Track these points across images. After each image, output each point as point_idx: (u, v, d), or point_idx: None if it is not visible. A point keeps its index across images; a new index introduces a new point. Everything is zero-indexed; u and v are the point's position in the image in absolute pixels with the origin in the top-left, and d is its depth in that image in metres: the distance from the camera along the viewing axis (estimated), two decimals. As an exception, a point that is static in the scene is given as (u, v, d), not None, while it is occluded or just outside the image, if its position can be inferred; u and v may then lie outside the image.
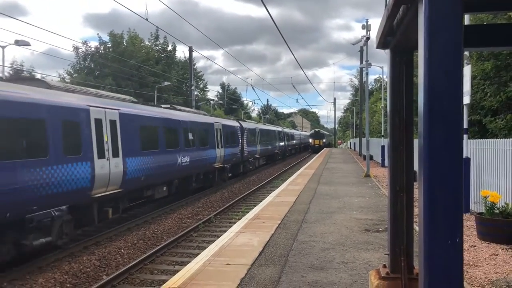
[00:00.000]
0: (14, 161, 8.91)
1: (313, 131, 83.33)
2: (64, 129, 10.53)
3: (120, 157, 12.89)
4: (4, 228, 8.77)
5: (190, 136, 19.01)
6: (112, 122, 12.70)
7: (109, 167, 12.24)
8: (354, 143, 66.72)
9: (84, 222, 11.96)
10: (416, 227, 5.91)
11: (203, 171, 20.98)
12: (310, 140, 75.58)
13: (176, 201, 18.19)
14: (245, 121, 34.69)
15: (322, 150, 63.21)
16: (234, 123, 28.48)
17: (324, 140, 75.57)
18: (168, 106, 19.90)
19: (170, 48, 50.83)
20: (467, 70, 10.50)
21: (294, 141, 61.83)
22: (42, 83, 11.67)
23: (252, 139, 31.85)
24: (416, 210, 5.25)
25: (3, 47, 21.86)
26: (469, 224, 9.72)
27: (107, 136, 12.30)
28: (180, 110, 19.98)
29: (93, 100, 12.32)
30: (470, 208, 11.13)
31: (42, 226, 9.63)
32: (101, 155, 11.93)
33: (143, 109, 15.72)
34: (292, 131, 68.02)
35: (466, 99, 10.50)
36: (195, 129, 19.84)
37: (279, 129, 47.35)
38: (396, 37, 3.70)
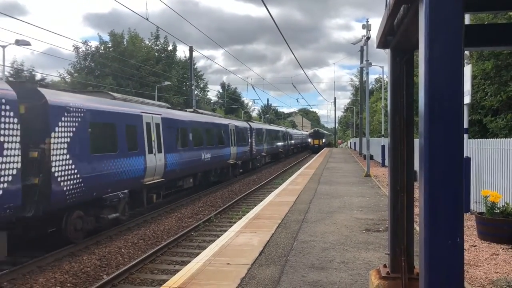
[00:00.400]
0: (99, 154, 12.05)
1: (312, 130, 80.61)
2: (126, 131, 13.56)
3: (162, 153, 15.96)
4: (89, 204, 11.81)
5: (211, 136, 22.36)
6: (157, 125, 15.77)
7: (155, 161, 15.26)
8: (355, 143, 66.71)
9: (137, 204, 14.75)
10: (416, 227, 5.91)
11: (220, 166, 24.16)
12: (309, 140, 73.43)
13: (201, 191, 21.18)
14: (253, 122, 37.59)
15: (322, 150, 62.18)
16: (245, 124, 31.32)
17: (324, 140, 73.45)
18: (192, 110, 23.34)
19: (170, 48, 50.81)
20: (467, 70, 10.49)
21: (293, 141, 60.12)
22: (108, 95, 14.42)
23: (259, 138, 34.71)
24: (416, 210, 5.25)
25: (4, 47, 21.85)
26: (469, 224, 9.72)
27: (153, 136, 15.31)
28: (201, 113, 22.96)
29: (143, 108, 15.30)
30: (471, 207, 11.13)
31: (113, 204, 12.65)
32: (150, 151, 14.98)
33: (176, 113, 18.77)
34: (292, 130, 66.96)
35: (467, 99, 10.50)
36: (215, 130, 23.26)
37: (283, 129, 52.84)
38: (396, 37, 3.70)
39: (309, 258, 7.47)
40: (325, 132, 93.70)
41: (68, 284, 8.69)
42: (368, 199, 14.42)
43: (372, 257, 7.51)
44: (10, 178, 8.99)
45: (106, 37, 47.22)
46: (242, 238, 8.99)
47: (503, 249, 7.93)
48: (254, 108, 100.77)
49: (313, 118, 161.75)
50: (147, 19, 20.35)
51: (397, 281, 4.14)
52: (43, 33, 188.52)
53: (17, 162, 9.22)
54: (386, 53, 4.76)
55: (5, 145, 8.96)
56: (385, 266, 4.46)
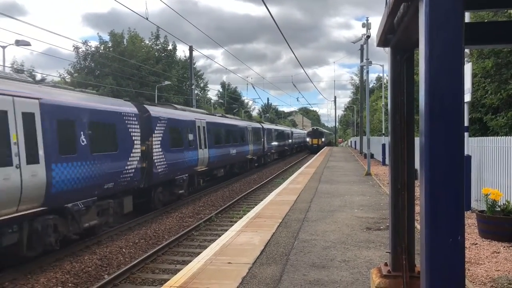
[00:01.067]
0: (177, 148, 17.45)
1: (310, 129, 74.52)
2: (187, 132, 18.80)
3: (207, 148, 21.11)
4: (167, 183, 16.73)
5: (236, 136, 27.88)
6: (203, 128, 20.90)
7: (203, 154, 20.45)
8: (355, 142, 66.64)
9: (191, 185, 19.59)
10: (417, 225, 5.91)
11: (241, 160, 29.63)
12: (308, 139, 67.74)
13: (227, 179, 26.14)
14: (265, 123, 42.64)
15: (323, 149, 60.53)
16: (258, 125, 36.64)
17: (323, 139, 68.52)
18: (220, 115, 29.09)
19: (170, 47, 50.74)
20: (467, 68, 10.49)
21: (290, 140, 57.48)
22: (172, 106, 19.74)
23: (270, 137, 40.09)
24: (417, 208, 5.25)
25: (4, 47, 21.84)
26: (470, 222, 9.72)
27: (202, 135, 20.52)
28: (227, 117, 28.66)
29: (195, 115, 20.80)
30: (471, 206, 11.13)
31: (180, 184, 17.78)
32: (200, 146, 20.16)
33: (214, 118, 24.53)
34: (296, 130, 66.20)
35: (467, 97, 10.49)
36: (238, 130, 28.95)
37: (288, 129, 56.73)
38: (396, 35, 3.69)
39: (310, 257, 7.48)
40: (325, 130, 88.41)
41: (70, 284, 8.70)
42: (369, 198, 14.42)
43: (373, 255, 7.51)
44: (137, 163, 13.88)
45: (106, 37, 47.19)
46: (243, 237, 8.99)
47: (504, 247, 7.93)
48: (254, 108, 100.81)
49: (314, 117, 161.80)
50: (147, 18, 20.34)
51: (398, 279, 4.14)
52: (42, 33, 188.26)
53: (139, 153, 14.13)
54: (386, 52, 4.76)
55: (135, 142, 13.86)
56: (386, 264, 4.46)
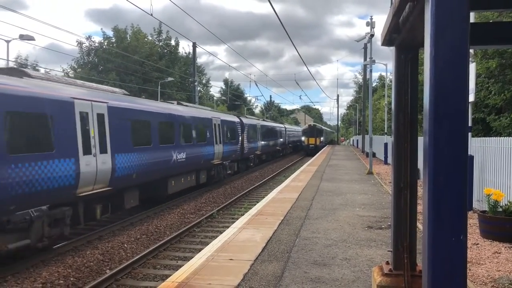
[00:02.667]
0: (203, 143, 20.48)
1: (307, 125, 61.45)
2: (205, 129, 21.16)
3: (221, 144, 23.43)
4: (204, 168, 20.90)
5: (271, 133, 37.25)
6: (219, 125, 23.30)
7: (218, 149, 22.69)
8: (357, 140, 66.41)
9: (239, 169, 28.52)
10: (419, 225, 5.92)
11: (273, 150, 39.99)
12: (303, 139, 56.47)
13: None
14: (247, 116, 42.02)
15: (324, 148, 55.68)
16: (234, 118, 33.38)
17: (322, 138, 57.34)
18: (236, 113, 35.48)
19: (173, 43, 50.69)
20: (471, 68, 10.47)
21: (282, 139, 47.84)
22: (236, 116, 28.57)
23: (288, 135, 47.55)
24: (419, 208, 5.26)
25: (8, 42, 21.89)
26: (471, 222, 9.72)
27: (217, 132, 22.78)
28: (184, 105, 25.46)
29: (212, 113, 23.98)
30: (473, 206, 11.13)
31: (231, 166, 25.51)
32: (216, 143, 22.37)
33: (228, 117, 27.25)
34: (283, 125, 53.46)
35: (471, 97, 10.47)
36: (271, 129, 38.40)
37: (281, 126, 50.05)
38: (401, 35, 3.70)
39: (311, 254, 7.50)
40: (325, 128, 76.43)
41: (71, 278, 8.74)
42: (370, 197, 14.43)
43: (374, 254, 7.53)
44: (239, 147, 26.68)
45: (110, 33, 47.16)
46: (244, 234, 9.02)
47: (505, 247, 7.94)
48: (257, 105, 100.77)
49: (316, 115, 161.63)
50: (151, 14, 20.33)
51: (400, 278, 4.15)
52: (44, 28, 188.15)
53: (241, 142, 26.81)
54: (390, 51, 4.76)
55: (244, 138, 28.10)
56: (387, 263, 4.47)
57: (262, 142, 35.46)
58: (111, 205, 12.71)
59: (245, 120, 30.29)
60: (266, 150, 37.41)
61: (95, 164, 11.31)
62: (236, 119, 28.28)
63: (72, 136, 10.59)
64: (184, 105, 21.24)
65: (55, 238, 10.26)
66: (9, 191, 8.53)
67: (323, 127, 65.77)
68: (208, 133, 21.51)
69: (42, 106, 9.70)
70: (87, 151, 11.03)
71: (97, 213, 11.95)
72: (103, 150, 11.77)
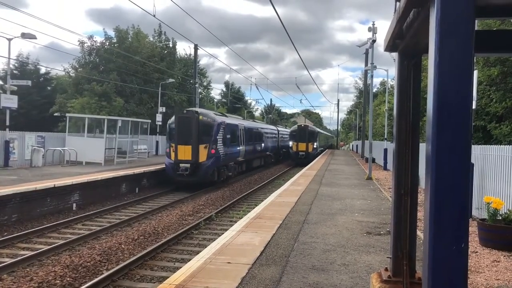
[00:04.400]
0: (252, 142, 33.43)
1: (295, 126, 46.94)
2: (236, 132, 28.06)
3: (244, 145, 29.76)
4: (262, 156, 38.40)
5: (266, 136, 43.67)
6: (243, 130, 29.91)
7: (242, 148, 29.38)
8: (357, 145, 66.38)
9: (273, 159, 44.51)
10: (418, 232, 5.89)
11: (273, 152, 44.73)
12: (290, 144, 43.67)
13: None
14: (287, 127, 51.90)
15: (320, 156, 47.00)
16: (270, 126, 48.85)
17: (315, 144, 44.17)
18: (283, 126, 48.73)
19: (171, 45, 50.63)
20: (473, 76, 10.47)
21: (264, 145, 38.17)
22: (239, 117, 36.80)
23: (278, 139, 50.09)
24: (419, 214, 5.23)
25: (10, 40, 21.87)
26: (470, 229, 9.69)
27: (241, 135, 29.24)
28: (225, 115, 33.68)
29: (239, 121, 31.46)
30: (473, 214, 11.11)
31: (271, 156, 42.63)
32: (241, 144, 29.08)
33: (246, 122, 33.90)
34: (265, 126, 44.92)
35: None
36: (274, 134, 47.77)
37: (264, 126, 43.28)
38: (405, 40, 3.69)
39: (310, 259, 7.47)
40: (319, 131, 57.46)
41: (68, 278, 8.70)
42: (369, 202, 14.40)
43: (373, 260, 7.50)
44: (276, 145, 45.69)
45: (111, 33, 47.15)
46: (243, 237, 8.99)
47: (505, 256, 7.91)
48: (257, 108, 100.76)
49: (316, 119, 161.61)
50: (154, 15, 20.36)
51: (399, 285, 4.13)
52: (44, 26, 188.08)
53: (277, 144, 46.50)
54: (391, 57, 4.74)
55: (278, 140, 47.65)
56: (386, 269, 4.45)
57: (246, 147, 30.35)
58: (245, 166, 31.29)
59: (220, 119, 24.77)
60: (251, 156, 32.56)
61: (243, 148, 29.34)
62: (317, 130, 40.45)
63: (239, 137, 28.09)
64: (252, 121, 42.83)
65: (231, 175, 26.86)
66: (230, 156, 25.97)
67: (317, 129, 51.81)
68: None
69: (236, 126, 28.05)
70: (241, 143, 28.74)
71: (242, 167, 30.62)
72: (242, 144, 29.20)
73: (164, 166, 22.90)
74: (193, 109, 24.90)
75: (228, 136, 25.59)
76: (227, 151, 25.11)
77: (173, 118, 23.42)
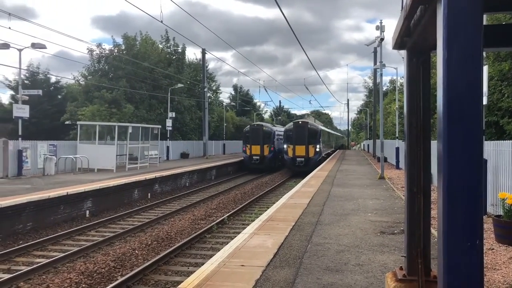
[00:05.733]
0: (324, 144, 43.78)
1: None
2: (272, 137, 38.33)
3: (320, 143, 36.35)
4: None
5: (332, 138, 53.78)
6: (274, 134, 37.98)
7: (273, 148, 37.72)
8: (368, 145, 66.02)
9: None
10: (432, 229, 5.84)
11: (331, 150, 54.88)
12: (285, 147, 35.47)
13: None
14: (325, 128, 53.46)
15: (335, 153, 46.50)
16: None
17: (318, 147, 35.22)
18: (323, 125, 52.18)
19: (180, 50, 50.79)
20: (483, 71, 10.37)
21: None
22: (269, 125, 43.69)
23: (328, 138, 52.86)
24: (433, 212, 5.18)
25: (20, 50, 22.16)
26: (486, 226, 9.58)
27: (272, 138, 37.22)
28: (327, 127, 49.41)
29: (272, 127, 42.04)
30: (487, 210, 10.98)
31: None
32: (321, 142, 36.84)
33: (275, 127, 42.69)
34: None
35: (483, 100, 10.36)
36: (333, 135, 60.57)
37: (333, 132, 65.96)
38: (413, 38, 3.66)
39: (323, 260, 7.44)
40: (322, 128, 45.59)
41: (83, 285, 8.77)
42: (382, 202, 14.31)
43: (388, 259, 7.45)
44: (322, 147, 38.72)
45: (119, 40, 47.49)
46: (256, 240, 8.99)
47: (521, 252, 7.80)
48: (267, 110, 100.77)
49: (326, 119, 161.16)
50: (161, 21, 20.49)
51: (414, 283, 4.09)
52: (53, 36, 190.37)
53: (320, 146, 36.57)
54: (400, 55, 4.70)
55: (327, 142, 49.96)
56: (401, 268, 4.41)
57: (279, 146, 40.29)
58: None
59: (274, 128, 43.96)
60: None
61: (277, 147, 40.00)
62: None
63: (280, 140, 39.09)
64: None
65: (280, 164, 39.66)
66: (279, 152, 39.34)
67: (320, 126, 42.05)
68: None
69: (280, 132, 39.71)
70: (281, 144, 37.83)
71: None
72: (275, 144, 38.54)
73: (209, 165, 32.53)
74: (259, 123, 43.64)
75: (275, 139, 38.55)
76: (277, 149, 38.43)
77: (248, 127, 39.89)
